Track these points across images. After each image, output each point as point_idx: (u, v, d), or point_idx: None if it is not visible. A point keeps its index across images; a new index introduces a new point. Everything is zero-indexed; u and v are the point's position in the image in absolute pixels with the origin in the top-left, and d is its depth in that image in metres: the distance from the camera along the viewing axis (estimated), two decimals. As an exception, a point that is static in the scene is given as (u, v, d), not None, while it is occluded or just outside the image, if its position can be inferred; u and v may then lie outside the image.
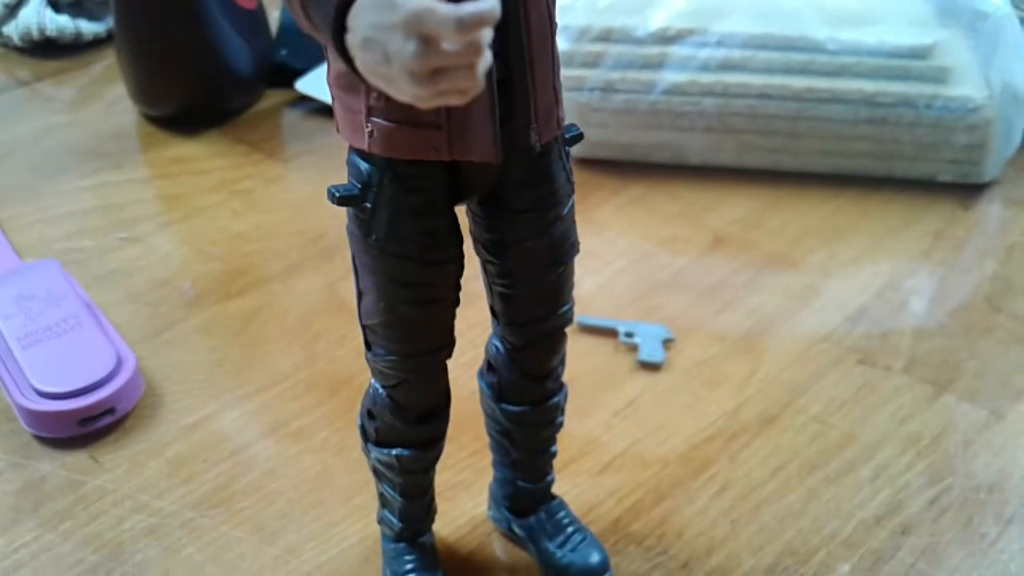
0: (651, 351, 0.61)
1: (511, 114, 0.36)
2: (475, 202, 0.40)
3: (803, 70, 0.77)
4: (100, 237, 0.77)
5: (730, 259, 0.71)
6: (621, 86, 0.78)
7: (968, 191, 0.77)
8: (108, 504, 0.53)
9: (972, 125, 0.74)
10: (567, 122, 0.40)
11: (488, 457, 0.50)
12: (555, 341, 0.44)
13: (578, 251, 0.42)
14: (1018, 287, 0.67)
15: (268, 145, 0.89)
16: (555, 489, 0.52)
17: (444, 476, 0.52)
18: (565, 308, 0.43)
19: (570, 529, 0.48)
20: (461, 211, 0.40)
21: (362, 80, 0.30)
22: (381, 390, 0.42)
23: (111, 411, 0.57)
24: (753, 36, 0.77)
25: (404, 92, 0.28)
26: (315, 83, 0.94)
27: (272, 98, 0.95)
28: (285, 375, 0.62)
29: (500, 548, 0.50)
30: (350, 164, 0.38)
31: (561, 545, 0.48)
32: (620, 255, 0.72)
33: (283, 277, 0.71)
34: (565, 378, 0.47)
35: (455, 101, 0.28)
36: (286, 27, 0.98)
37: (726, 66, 0.78)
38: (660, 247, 0.73)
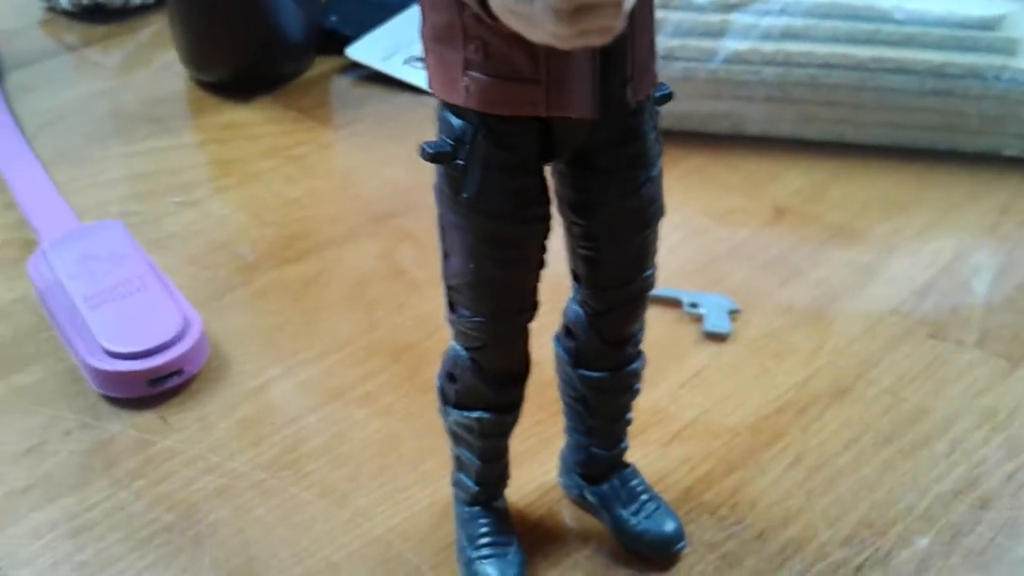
0: (717, 322, 0.61)
1: (609, 69, 0.36)
2: (563, 161, 0.39)
3: (868, 39, 0.75)
4: (155, 201, 0.77)
5: (792, 231, 0.70)
6: (680, 54, 0.77)
7: (1034, 165, 0.76)
8: (179, 464, 0.53)
9: (1041, 98, 0.73)
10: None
11: (556, 424, 0.50)
12: (637, 306, 0.43)
13: (664, 214, 0.41)
14: (1090, 263, 0.65)
15: (319, 112, 0.88)
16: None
17: (511, 443, 0.51)
18: (648, 272, 0.42)
19: (644, 497, 0.48)
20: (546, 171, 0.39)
21: (492, 20, 0.29)
22: (463, 352, 0.42)
23: (179, 372, 0.57)
24: (817, 4, 0.76)
25: (544, 31, 0.27)
26: (366, 49, 0.93)
27: (322, 65, 0.95)
28: (346, 341, 0.62)
29: (570, 515, 0.50)
30: (442, 120, 0.37)
31: (635, 512, 0.47)
32: (679, 227, 0.71)
33: (339, 243, 0.71)
34: None
35: (597, 41, 0.27)
36: (337, -8, 0.98)
37: (788, 34, 0.76)
38: (720, 219, 0.72)
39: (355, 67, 0.93)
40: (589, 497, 0.49)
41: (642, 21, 0.36)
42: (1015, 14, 0.74)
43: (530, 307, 0.41)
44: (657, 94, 0.39)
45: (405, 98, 0.88)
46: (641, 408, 0.56)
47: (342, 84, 0.92)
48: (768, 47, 0.76)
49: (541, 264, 0.40)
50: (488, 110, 0.36)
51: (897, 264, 0.67)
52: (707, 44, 0.77)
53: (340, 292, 0.66)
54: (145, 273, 0.62)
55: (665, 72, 0.78)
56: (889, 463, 0.52)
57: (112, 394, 0.57)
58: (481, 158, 0.37)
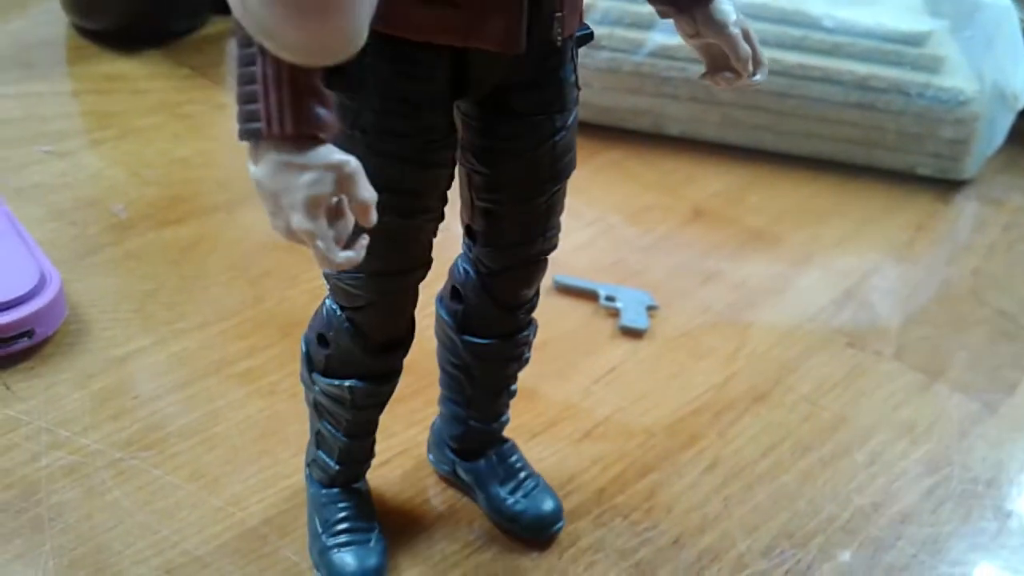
0: (634, 317, 0.57)
1: (536, 4, 0.31)
2: (471, 100, 0.35)
3: (796, 45, 0.74)
4: (20, 148, 0.69)
5: (711, 232, 0.68)
6: (607, 43, 0.74)
7: (946, 186, 0.76)
8: (21, 437, 0.46)
9: (959, 119, 0.73)
10: None
11: (427, 393, 0.45)
12: (537, 267, 0.39)
13: (575, 167, 0.37)
14: (1002, 283, 0.65)
15: (214, 72, 0.81)
16: (532, 453, 0.47)
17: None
18: (553, 232, 0.38)
19: (523, 475, 0.44)
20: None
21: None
22: (340, 312, 0.37)
23: (29, 333, 0.50)
24: (749, 4, 0.74)
25: (278, 224, 0.28)
26: (270, 12, 0.87)
27: (219, 25, 0.88)
28: (230, 312, 0.56)
29: (440, 494, 0.45)
30: None
31: (513, 491, 0.43)
32: (597, 218, 0.68)
33: (227, 208, 0.64)
34: (542, 338, 0.43)
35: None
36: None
37: (717, 33, 0.74)
38: (637, 216, 0.69)
39: None
40: (462, 474, 0.44)
41: None
42: (941, 32, 0.74)
43: (424, 264, 0.36)
44: (579, 33, 0.35)
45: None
46: (552, 401, 0.52)
47: (241, 46, 0.86)
48: (695, 44, 0.74)
49: (441, 216, 0.35)
50: (394, 32, 0.31)
51: (814, 272, 0.65)
52: (634, 35, 0.74)
53: (225, 261, 0.60)
54: (1, 223, 0.55)
55: (589, 61, 0.74)
56: (808, 472, 0.49)
57: (-53, 353, 0.49)
58: (382, 86, 0.32)
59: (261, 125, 0.27)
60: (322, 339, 0.38)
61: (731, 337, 0.58)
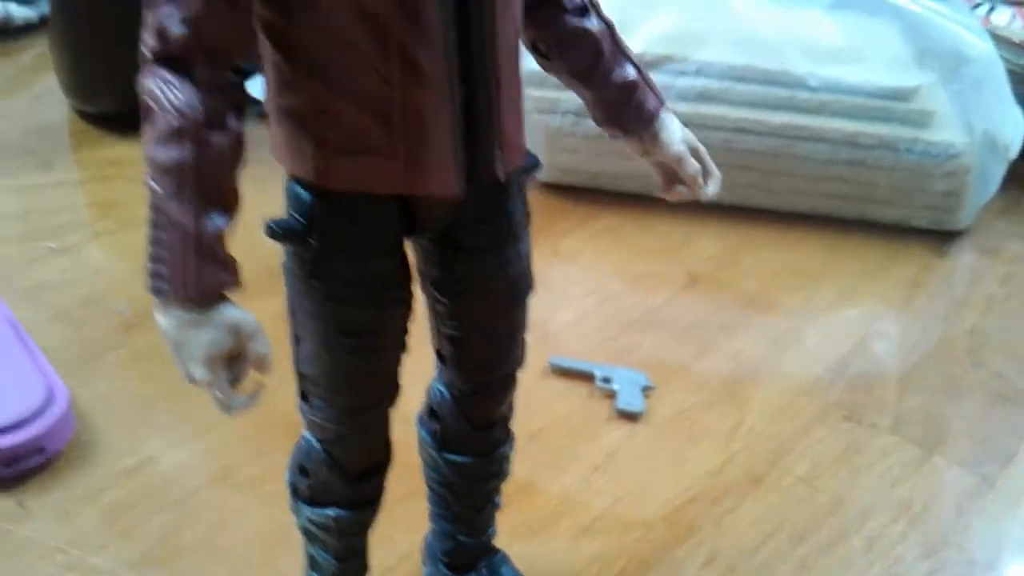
0: (630, 399, 0.58)
1: (474, 141, 0.32)
2: (425, 237, 0.36)
3: (783, 105, 0.75)
4: (24, 245, 0.70)
5: (706, 299, 0.68)
6: (596, 111, 0.75)
7: (942, 237, 0.76)
8: (36, 558, 0.47)
9: (951, 171, 0.73)
10: (532, 148, 0.36)
11: (420, 506, 0.46)
12: (505, 387, 0.40)
13: (532, 288, 0.38)
14: (997, 341, 0.65)
15: (213, 151, 0.83)
16: (531, 552, 0.48)
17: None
18: (518, 352, 0.39)
19: None
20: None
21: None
22: (316, 444, 0.38)
23: (40, 451, 0.51)
24: (733, 67, 0.75)
25: (181, 369, 0.31)
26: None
27: (218, 99, 0.89)
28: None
29: None
30: (290, 193, 0.33)
31: None
32: (591, 291, 0.69)
33: (230, 299, 0.66)
34: (538, 424, 0.44)
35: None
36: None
37: (704, 97, 0.75)
38: (633, 283, 0.70)
39: (256, 103, 0.88)
40: None
41: (509, 86, 0.33)
42: (928, 86, 0.74)
43: (391, 394, 0.37)
44: (524, 164, 0.36)
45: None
46: (550, 495, 0.53)
47: (239, 121, 0.87)
48: (683, 108, 0.74)
49: (403, 348, 0.36)
50: (340, 187, 0.32)
51: (811, 336, 0.65)
52: (623, 101, 0.75)
53: (228, 356, 0.61)
54: (5, 333, 0.56)
55: (578, 129, 0.75)
56: (806, 561, 0.49)
57: (-40, 477, 0.51)
58: (334, 238, 0.33)
59: (166, 285, 0.29)
60: (303, 470, 0.39)
61: (728, 415, 0.58)
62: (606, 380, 0.59)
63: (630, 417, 0.57)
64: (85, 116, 0.85)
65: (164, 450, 0.54)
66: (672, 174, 0.40)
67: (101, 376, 0.59)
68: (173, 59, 0.29)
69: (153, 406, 0.57)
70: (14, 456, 0.50)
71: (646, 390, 0.59)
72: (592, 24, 0.37)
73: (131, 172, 0.79)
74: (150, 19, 0.29)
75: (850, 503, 0.53)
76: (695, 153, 0.39)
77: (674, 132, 0.39)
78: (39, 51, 0.96)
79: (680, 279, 0.70)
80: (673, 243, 0.74)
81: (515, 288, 0.37)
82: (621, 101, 0.38)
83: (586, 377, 0.60)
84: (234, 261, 0.30)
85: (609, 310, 0.67)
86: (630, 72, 0.38)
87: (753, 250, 0.74)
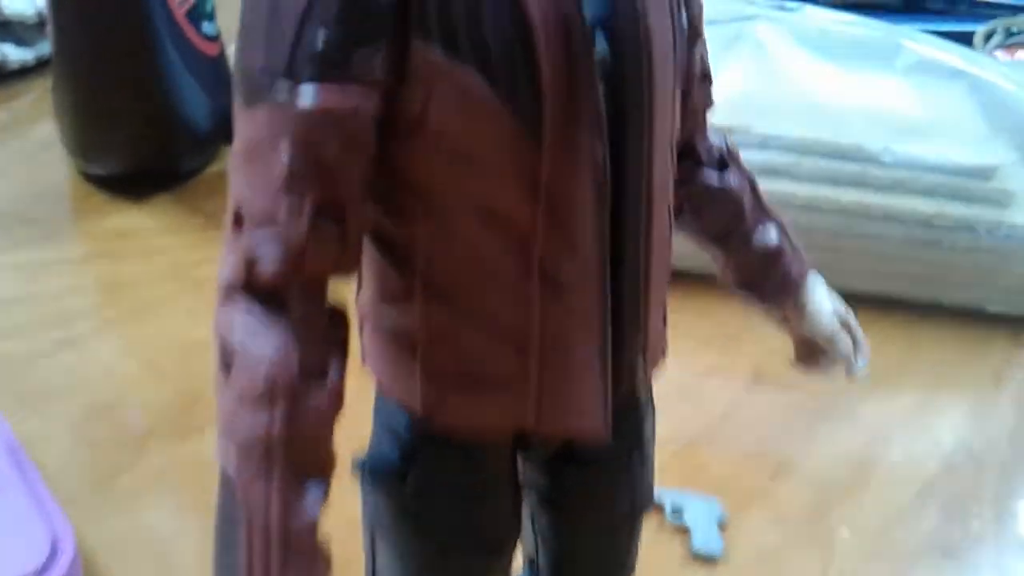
0: (706, 538, 0.52)
1: (617, 357, 0.26)
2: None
3: (853, 182, 0.69)
4: (26, 337, 0.64)
5: (774, 402, 0.62)
6: (649, 187, 0.69)
7: (1019, 324, 0.70)
8: None
9: (1035, 256, 0.67)
10: None
11: None
12: None
13: (653, 499, 0.32)
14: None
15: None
16: None
17: None
18: (629, 570, 0.33)
19: None
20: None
21: None
22: None
23: (44, 616, 0.45)
24: (800, 140, 0.69)
25: None
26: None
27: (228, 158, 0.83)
28: (261, 551, 0.50)
29: None
30: (383, 416, 0.27)
31: None
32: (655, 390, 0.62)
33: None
34: None
35: None
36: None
37: (768, 171, 0.68)
38: (698, 381, 0.64)
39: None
40: None
41: (658, 285, 0.28)
42: (1010, 164, 0.68)
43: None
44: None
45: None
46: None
47: (255, 184, 0.81)
48: (745, 183, 0.68)
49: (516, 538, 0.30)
50: (453, 423, 0.26)
51: (896, 452, 0.59)
52: (678, 176, 0.69)
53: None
54: (5, 467, 0.50)
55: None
56: None
57: (-47, 652, 0.44)
58: (438, 479, 0.27)
59: None
60: None
61: (813, 556, 0.52)
62: (676, 512, 0.53)
63: (707, 560, 0.51)
64: (90, 178, 0.79)
65: (185, 605, 0.48)
66: (813, 346, 0.34)
67: (110, 509, 0.52)
68: (262, 293, 0.22)
69: (168, 551, 0.50)
70: (16, 621, 0.44)
71: (721, 525, 0.53)
72: (732, 181, 0.31)
73: (140, 245, 0.73)
74: (234, 242, 0.22)
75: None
76: (845, 326, 0.33)
77: (823, 303, 0.33)
78: (35, 95, 0.90)
79: (745, 376, 0.64)
80: (735, 330, 0.68)
81: (638, 499, 0.31)
82: (761, 268, 0.32)
83: (655, 507, 0.54)
84: (328, 557, 0.23)
85: (674, 420, 0.60)
86: (772, 236, 0.32)
87: (820, 341, 0.68)
